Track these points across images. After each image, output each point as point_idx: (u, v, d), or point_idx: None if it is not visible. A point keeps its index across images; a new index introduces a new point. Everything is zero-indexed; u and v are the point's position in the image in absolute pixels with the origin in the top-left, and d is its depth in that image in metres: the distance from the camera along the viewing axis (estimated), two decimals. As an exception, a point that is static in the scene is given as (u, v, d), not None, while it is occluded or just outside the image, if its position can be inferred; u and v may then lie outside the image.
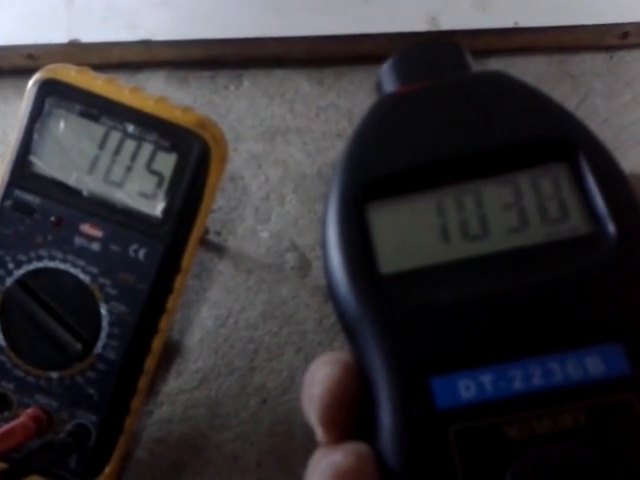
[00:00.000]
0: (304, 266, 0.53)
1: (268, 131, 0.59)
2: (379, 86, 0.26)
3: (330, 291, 0.20)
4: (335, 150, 0.59)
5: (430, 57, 0.24)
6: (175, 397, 0.47)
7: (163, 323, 0.39)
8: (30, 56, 0.55)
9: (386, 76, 0.25)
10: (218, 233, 0.54)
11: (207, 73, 0.62)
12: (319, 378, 0.19)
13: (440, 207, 0.21)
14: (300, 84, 0.63)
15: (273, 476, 0.47)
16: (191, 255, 0.39)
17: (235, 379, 0.49)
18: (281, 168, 0.58)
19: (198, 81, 0.61)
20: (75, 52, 0.56)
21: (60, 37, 0.55)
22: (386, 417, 0.18)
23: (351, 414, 0.18)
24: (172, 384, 0.48)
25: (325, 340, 0.51)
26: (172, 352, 0.50)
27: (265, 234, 0.55)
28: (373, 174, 0.21)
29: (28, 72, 0.63)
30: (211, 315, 0.51)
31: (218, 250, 0.54)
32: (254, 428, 0.46)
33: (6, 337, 0.38)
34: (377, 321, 0.19)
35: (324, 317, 0.51)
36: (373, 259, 0.20)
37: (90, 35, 0.55)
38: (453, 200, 0.21)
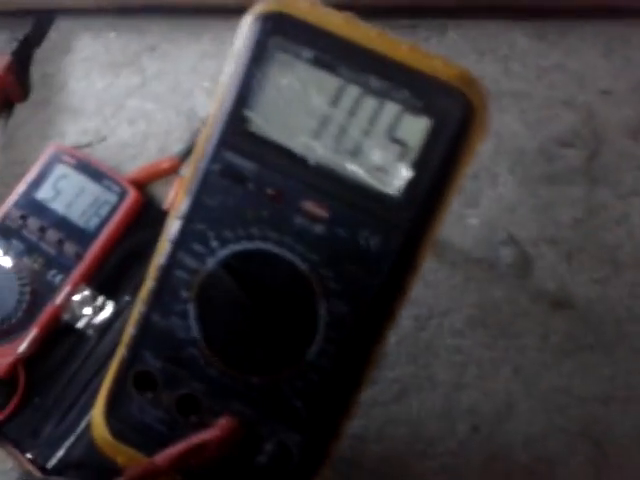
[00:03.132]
0: (523, 265, 0.45)
1: (482, 94, 0.51)
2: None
3: None
4: (561, 121, 0.50)
5: None
6: (369, 409, 0.42)
7: (386, 329, 0.33)
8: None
9: None
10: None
11: (406, 22, 0.54)
12: None
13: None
14: (516, 39, 0.54)
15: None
16: (429, 249, 0.32)
17: (439, 396, 0.42)
18: (493, 141, 0.49)
19: (396, 30, 0.54)
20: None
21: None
22: None
23: None
24: (365, 393, 0.42)
25: (550, 361, 0.43)
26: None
27: (473, 221, 0.47)
28: None
29: (206, 12, 0.58)
30: (409, 314, 0.44)
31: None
32: (464, 461, 0.39)
33: (202, 328, 0.33)
34: None
35: (550, 331, 0.43)
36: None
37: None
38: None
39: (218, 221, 0.33)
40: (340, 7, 0.53)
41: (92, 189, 0.44)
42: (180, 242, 0.34)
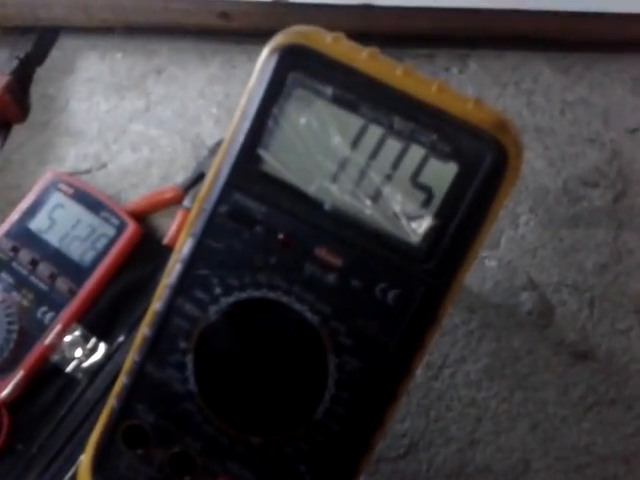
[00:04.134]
0: (545, 312, 0.43)
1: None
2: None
3: None
4: (586, 159, 0.48)
5: None
6: (375, 465, 0.39)
7: (402, 389, 0.31)
8: (223, 15, 0.48)
9: None
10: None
11: (424, 51, 0.52)
12: None
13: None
14: (541, 71, 0.53)
15: None
16: (451, 301, 0.30)
17: (451, 452, 0.40)
18: (514, 178, 0.47)
19: (413, 60, 0.52)
20: (278, 13, 0.48)
21: (263, -5, 0.47)
22: None
23: None
24: (372, 449, 0.39)
25: (571, 416, 0.40)
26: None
27: (492, 263, 0.45)
28: None
29: (217, 35, 0.58)
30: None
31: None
32: (479, 526, 0.37)
33: (200, 382, 0.31)
34: None
35: (570, 384, 0.41)
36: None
37: (297, -5, 0.48)
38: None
39: (223, 266, 0.31)
40: (356, 34, 0.51)
41: (89, 220, 0.42)
42: (180, 288, 0.32)
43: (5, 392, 0.37)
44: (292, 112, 0.30)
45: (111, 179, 0.47)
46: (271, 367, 0.30)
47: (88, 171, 0.47)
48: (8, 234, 0.42)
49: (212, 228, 0.31)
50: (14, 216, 0.42)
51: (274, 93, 0.30)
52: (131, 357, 0.33)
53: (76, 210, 0.42)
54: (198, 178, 0.46)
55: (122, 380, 0.33)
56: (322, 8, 0.47)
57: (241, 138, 0.30)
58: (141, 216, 0.44)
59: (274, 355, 0.30)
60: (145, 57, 0.53)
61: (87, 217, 0.42)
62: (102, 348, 0.39)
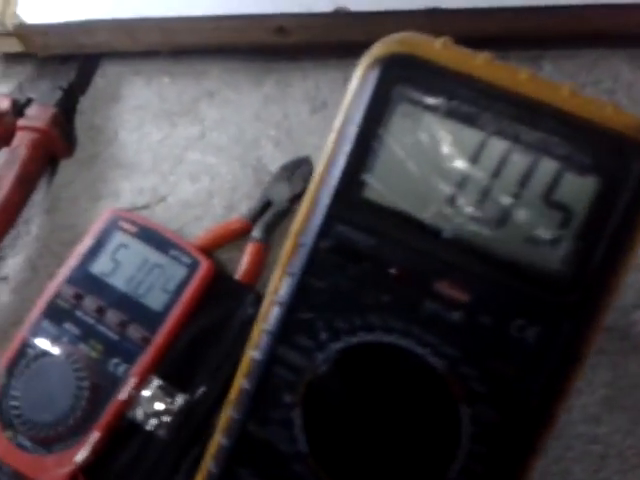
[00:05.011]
0: (662, 332, 0.39)
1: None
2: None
3: None
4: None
5: None
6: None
7: (544, 438, 0.27)
8: (280, 30, 0.46)
9: None
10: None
11: (494, 53, 0.49)
12: None
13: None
14: (620, 69, 0.49)
15: None
16: (599, 334, 0.27)
17: (578, 498, 0.36)
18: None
19: (483, 63, 0.49)
20: (339, 24, 0.45)
21: (322, 5, 0.45)
22: None
23: None
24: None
25: None
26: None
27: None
28: None
29: (269, 52, 0.55)
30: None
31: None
32: None
33: (310, 440, 0.28)
34: None
35: None
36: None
37: (359, 2, 0.45)
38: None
39: (328, 308, 0.28)
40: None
41: (157, 260, 0.39)
42: (281, 334, 0.29)
43: (80, 457, 0.35)
44: (399, 130, 0.26)
45: (172, 213, 0.44)
46: (392, 421, 0.27)
47: (146, 206, 0.45)
48: (69, 281, 0.39)
49: (313, 265, 0.28)
50: (73, 260, 0.39)
51: (377, 111, 0.27)
52: (227, 414, 0.30)
53: (141, 250, 0.39)
54: (265, 207, 0.43)
55: (218, 440, 0.30)
56: (387, 15, 0.45)
57: (341, 163, 0.27)
58: (208, 251, 0.41)
59: (394, 407, 0.27)
60: (194, 80, 0.50)
61: (154, 257, 0.39)
62: (181, 399, 0.36)
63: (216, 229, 0.43)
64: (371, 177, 0.27)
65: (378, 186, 0.27)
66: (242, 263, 0.41)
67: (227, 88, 0.49)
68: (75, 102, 0.49)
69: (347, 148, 0.27)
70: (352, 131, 0.27)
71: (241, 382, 0.30)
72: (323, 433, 0.28)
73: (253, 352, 0.29)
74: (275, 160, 0.46)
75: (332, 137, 0.28)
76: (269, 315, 0.29)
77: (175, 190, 0.46)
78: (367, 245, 0.27)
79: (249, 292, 0.39)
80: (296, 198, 0.44)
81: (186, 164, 0.47)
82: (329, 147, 0.28)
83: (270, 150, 0.47)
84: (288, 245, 0.29)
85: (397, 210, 0.27)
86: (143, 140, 0.48)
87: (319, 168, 0.28)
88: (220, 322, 0.38)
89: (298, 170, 0.45)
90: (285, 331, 0.28)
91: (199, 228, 0.44)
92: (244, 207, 0.45)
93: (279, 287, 0.29)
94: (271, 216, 0.43)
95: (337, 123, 0.28)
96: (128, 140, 0.48)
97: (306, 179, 0.44)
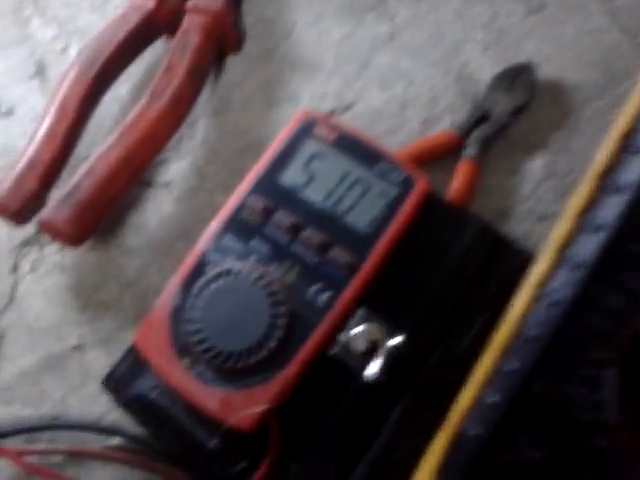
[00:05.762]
0: None
1: None
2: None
3: None
4: None
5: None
6: None
7: None
8: None
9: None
10: None
11: None
12: None
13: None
14: None
15: None
16: None
17: None
18: None
19: None
20: None
21: None
22: None
23: None
24: None
25: None
26: None
27: None
28: None
29: None
30: None
31: None
32: None
33: (624, 409, 0.21)
34: None
35: None
36: None
37: None
38: None
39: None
40: None
41: (361, 174, 0.32)
42: (598, 267, 0.22)
43: (274, 394, 0.30)
44: None
45: (361, 123, 0.38)
46: None
47: (331, 114, 0.39)
48: (255, 191, 0.33)
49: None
50: (259, 168, 0.33)
51: None
52: (494, 361, 0.24)
53: (342, 161, 0.33)
54: (479, 121, 0.36)
55: (478, 395, 0.24)
56: None
57: None
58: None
59: None
60: (380, -30, 0.43)
61: (358, 170, 0.32)
62: (394, 338, 0.30)
63: (422, 142, 0.36)
64: None
65: None
66: (454, 184, 0.35)
67: (419, -19, 0.42)
68: (242, -12, 0.43)
69: None
70: None
71: (522, 327, 0.24)
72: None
73: (547, 290, 0.23)
74: (483, 68, 0.39)
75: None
76: (575, 244, 0.23)
77: (363, 97, 0.39)
78: None
79: (470, 219, 0.33)
80: (519, 111, 0.37)
81: (375, 68, 0.40)
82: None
83: (476, 56, 0.39)
84: (607, 148, 0.23)
85: None
86: (322, 38, 0.41)
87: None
88: (434, 251, 0.32)
89: (518, 79, 0.37)
90: (606, 264, 0.22)
91: (393, 143, 0.38)
92: (445, 122, 0.38)
93: (591, 205, 0.23)
94: (489, 130, 0.36)
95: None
96: (305, 37, 0.41)
97: (528, 89, 0.37)
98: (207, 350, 0.31)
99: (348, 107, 0.39)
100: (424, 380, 0.30)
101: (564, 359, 0.22)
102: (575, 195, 0.24)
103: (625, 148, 0.22)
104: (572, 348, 0.22)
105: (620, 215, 0.22)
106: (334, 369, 0.30)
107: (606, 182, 0.22)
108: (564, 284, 0.23)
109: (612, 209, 0.22)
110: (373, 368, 0.30)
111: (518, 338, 0.23)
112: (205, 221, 0.33)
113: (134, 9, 0.41)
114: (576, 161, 0.36)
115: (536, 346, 0.23)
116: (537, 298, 0.23)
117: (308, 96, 0.39)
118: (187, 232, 0.37)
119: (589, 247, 0.22)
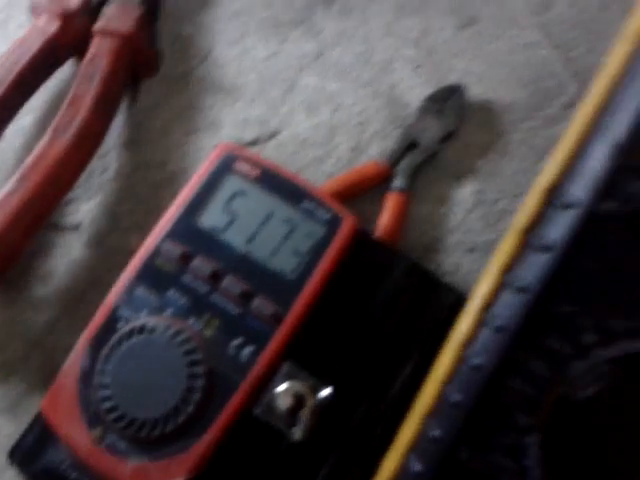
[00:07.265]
0: None
1: None
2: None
3: None
4: None
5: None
6: None
7: None
8: None
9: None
10: None
11: None
12: None
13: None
14: None
15: None
16: None
17: None
18: None
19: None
20: None
21: None
22: None
23: None
24: None
25: None
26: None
27: None
28: None
29: None
30: None
31: None
32: None
33: (547, 476, 0.21)
34: None
35: None
36: None
37: None
38: None
39: (599, 299, 0.20)
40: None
41: (286, 214, 0.31)
42: (520, 333, 0.22)
43: (192, 464, 0.28)
44: None
45: (286, 152, 0.36)
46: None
47: (255, 142, 0.37)
48: (172, 235, 0.31)
49: (585, 236, 0.20)
50: (175, 210, 0.32)
51: None
52: (419, 427, 0.23)
53: (265, 200, 0.31)
54: (408, 148, 0.35)
55: (406, 464, 0.23)
56: None
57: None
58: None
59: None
60: (304, -18, 0.41)
61: (282, 210, 0.31)
62: (322, 393, 0.29)
63: (347, 175, 0.35)
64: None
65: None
66: (382, 218, 0.34)
67: (349, -6, 0.41)
68: (158, 4, 0.41)
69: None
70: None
71: (445, 390, 0.23)
72: (568, 470, 0.21)
73: (468, 352, 0.22)
74: (414, 88, 0.38)
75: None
76: (498, 304, 0.22)
77: (289, 123, 0.37)
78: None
79: (400, 257, 0.32)
80: (448, 136, 0.36)
81: (301, 90, 0.38)
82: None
83: (407, 75, 0.38)
84: (530, 202, 0.22)
85: None
86: (245, 57, 0.39)
87: (585, 108, 0.21)
88: (366, 295, 0.31)
89: (449, 102, 0.36)
90: (529, 329, 0.21)
91: (320, 172, 0.37)
92: (375, 148, 0.37)
93: (515, 263, 0.22)
94: (418, 159, 0.35)
95: None
96: (226, 56, 0.39)
97: (459, 113, 0.36)
98: (118, 419, 0.29)
99: (273, 135, 0.37)
100: (351, 436, 0.29)
101: (486, 426, 0.21)
102: (499, 251, 0.23)
103: (550, 202, 0.21)
104: (494, 414, 0.21)
105: (544, 276, 0.21)
106: (258, 430, 0.29)
107: (530, 239, 0.21)
108: (486, 348, 0.22)
109: (536, 269, 0.21)
110: (299, 427, 0.29)
111: (441, 402, 0.23)
112: (119, 267, 0.32)
113: (36, 32, 0.38)
114: (506, 186, 0.36)
115: (458, 412, 0.22)
116: (460, 359, 0.22)
117: (230, 122, 0.38)
118: (99, 280, 0.35)
119: (511, 310, 0.22)
